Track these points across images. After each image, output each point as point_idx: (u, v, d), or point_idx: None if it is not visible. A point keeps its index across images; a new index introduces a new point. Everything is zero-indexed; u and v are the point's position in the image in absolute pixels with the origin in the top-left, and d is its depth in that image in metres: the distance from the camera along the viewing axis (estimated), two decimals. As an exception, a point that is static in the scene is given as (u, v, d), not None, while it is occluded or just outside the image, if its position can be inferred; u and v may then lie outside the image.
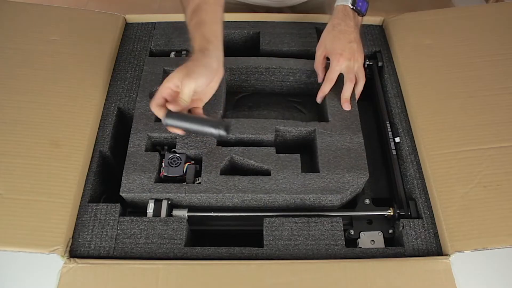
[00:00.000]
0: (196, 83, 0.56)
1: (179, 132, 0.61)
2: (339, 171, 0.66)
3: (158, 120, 0.73)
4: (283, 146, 0.74)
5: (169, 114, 0.58)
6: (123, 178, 0.64)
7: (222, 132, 0.59)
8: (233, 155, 0.67)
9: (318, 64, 0.74)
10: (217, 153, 0.67)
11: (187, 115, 0.60)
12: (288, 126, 0.71)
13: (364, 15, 0.74)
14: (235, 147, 0.68)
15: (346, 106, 0.71)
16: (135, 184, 0.64)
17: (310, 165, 0.74)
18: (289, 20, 0.87)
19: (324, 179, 0.65)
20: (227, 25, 0.85)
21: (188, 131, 0.61)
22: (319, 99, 0.75)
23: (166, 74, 0.78)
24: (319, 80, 0.74)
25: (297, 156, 0.68)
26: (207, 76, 0.58)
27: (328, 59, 0.74)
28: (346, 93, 0.71)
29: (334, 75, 0.71)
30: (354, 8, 0.72)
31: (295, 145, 0.75)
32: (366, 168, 0.66)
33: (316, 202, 0.65)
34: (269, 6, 0.96)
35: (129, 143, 0.68)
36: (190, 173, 0.66)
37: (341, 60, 0.70)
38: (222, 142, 0.70)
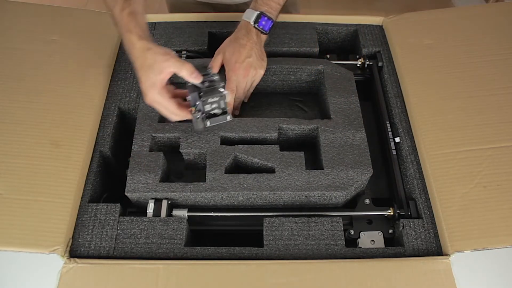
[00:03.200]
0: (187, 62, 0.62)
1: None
2: (343, 167, 0.66)
3: (161, 120, 0.73)
4: (287, 144, 0.74)
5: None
6: (128, 178, 0.64)
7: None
8: (237, 154, 0.67)
9: (215, 66, 0.72)
10: (221, 152, 0.67)
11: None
12: (291, 124, 0.71)
13: (267, 33, 0.73)
14: (239, 145, 0.68)
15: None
16: (140, 184, 0.64)
17: (314, 162, 0.74)
18: (289, 20, 0.87)
19: (328, 176, 0.65)
20: (226, 25, 0.85)
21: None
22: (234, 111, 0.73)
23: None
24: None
25: (301, 154, 0.68)
26: None
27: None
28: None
29: (232, 85, 0.70)
30: (256, 26, 0.71)
31: (298, 143, 0.75)
32: (370, 164, 0.67)
33: (321, 199, 0.65)
34: (228, 3, 0.95)
35: (133, 143, 0.68)
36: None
37: (236, 74, 0.69)
38: (226, 141, 0.70)
